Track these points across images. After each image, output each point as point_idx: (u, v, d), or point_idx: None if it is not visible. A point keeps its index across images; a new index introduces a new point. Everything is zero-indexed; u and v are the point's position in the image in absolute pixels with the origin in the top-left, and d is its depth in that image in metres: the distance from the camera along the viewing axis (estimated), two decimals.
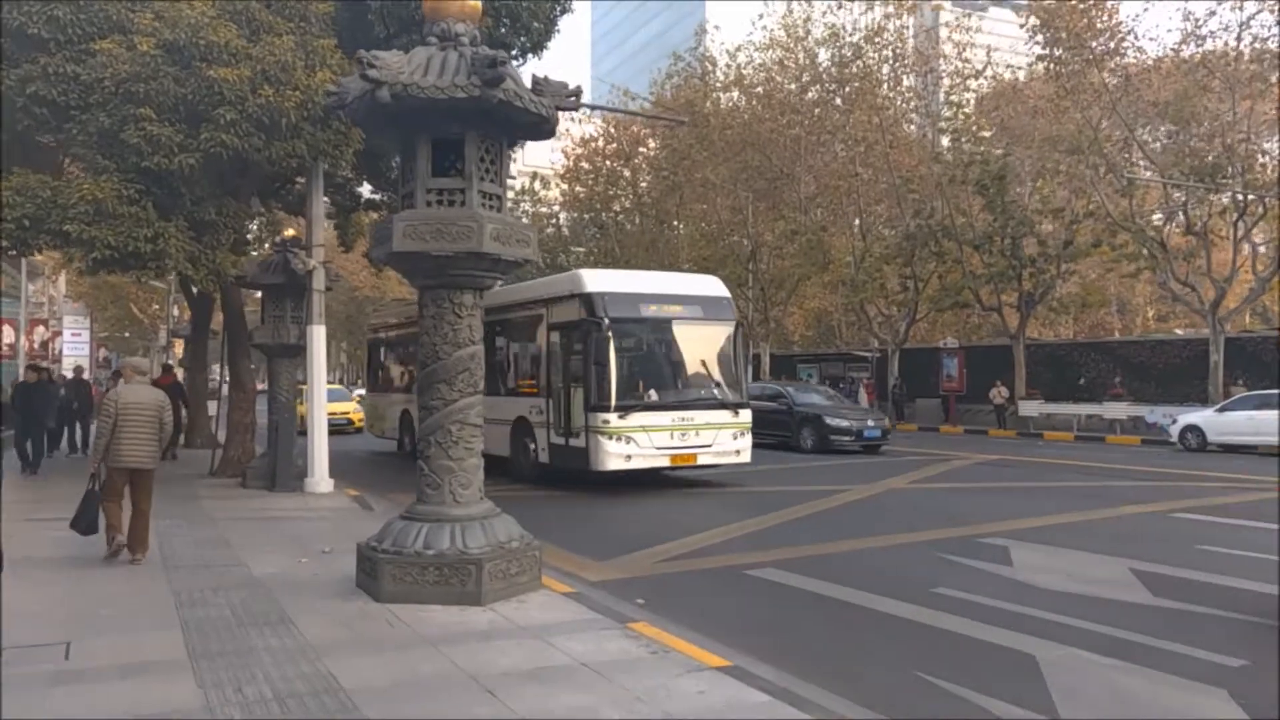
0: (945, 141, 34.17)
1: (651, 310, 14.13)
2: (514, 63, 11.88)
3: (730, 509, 12.00)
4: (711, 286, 15.59)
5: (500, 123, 7.15)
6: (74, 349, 48.47)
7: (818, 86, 35.53)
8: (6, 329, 46.88)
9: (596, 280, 14.23)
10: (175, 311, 40.80)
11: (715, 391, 14.44)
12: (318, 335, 13.68)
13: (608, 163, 44.68)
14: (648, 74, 46.57)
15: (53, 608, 6.44)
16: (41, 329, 49.59)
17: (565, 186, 47.72)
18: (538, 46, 16.50)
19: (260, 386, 22.92)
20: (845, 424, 21.58)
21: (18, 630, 5.60)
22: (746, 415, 14.53)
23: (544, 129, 7.53)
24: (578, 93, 7.59)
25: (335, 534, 9.51)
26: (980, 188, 30.30)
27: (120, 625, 5.99)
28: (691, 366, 14.72)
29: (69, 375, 23.36)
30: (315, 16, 12.66)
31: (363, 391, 34.61)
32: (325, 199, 16.31)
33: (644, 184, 44.24)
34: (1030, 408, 28.58)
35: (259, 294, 15.00)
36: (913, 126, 37.45)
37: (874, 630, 6.37)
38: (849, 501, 12.93)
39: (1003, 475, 16.57)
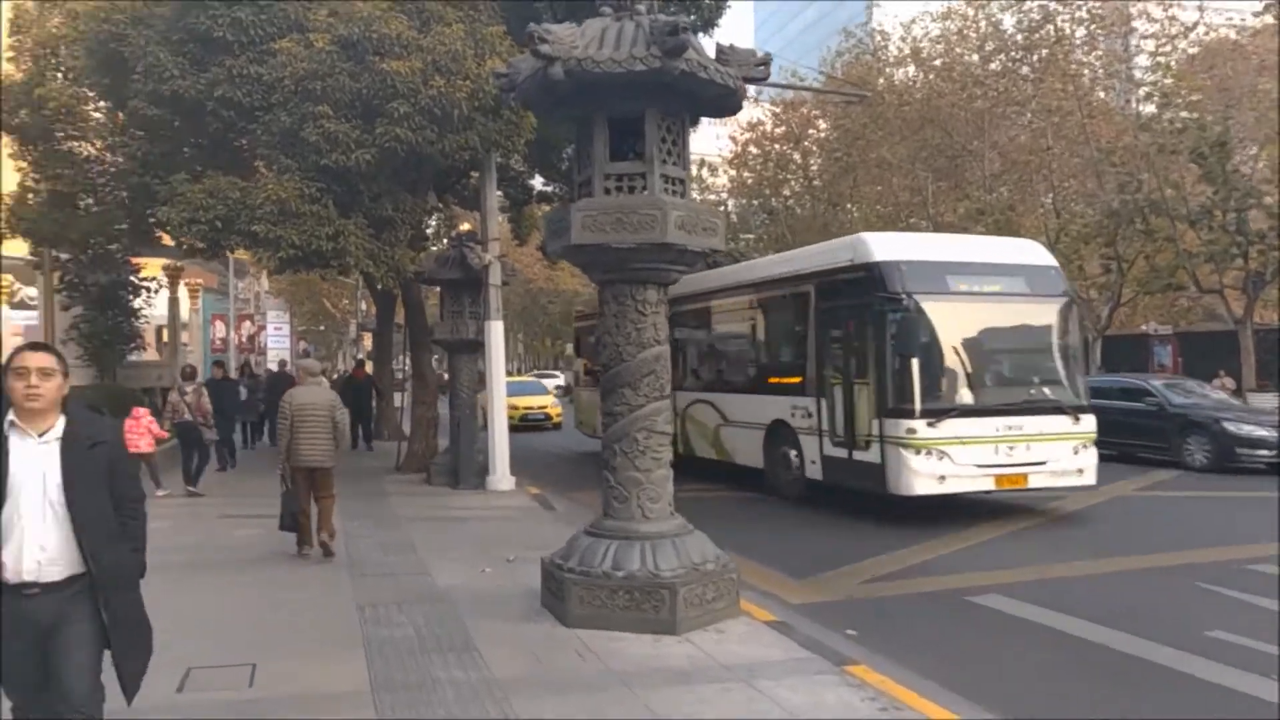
0: (1149, 109, 31.11)
1: (962, 285, 10.84)
2: None
3: (937, 518, 10.75)
4: (1034, 253, 12.28)
5: (683, 97, 6.45)
6: (276, 342, 51.67)
7: (1002, 56, 33.09)
8: (218, 324, 50.57)
9: (887, 246, 11.17)
10: (363, 306, 42.60)
11: (1049, 391, 11.14)
12: (495, 330, 13.45)
13: (776, 146, 43.43)
14: (814, 54, 44.96)
15: (241, 618, 6.34)
16: (248, 324, 53.21)
17: (733, 173, 46.79)
18: (709, 24, 15.73)
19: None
20: (1262, 433, 15.35)
21: (208, 646, 5.52)
22: (1090, 422, 11.05)
23: (730, 102, 6.78)
24: (767, 60, 6.79)
25: (517, 536, 9.20)
26: (1197, 156, 27.28)
27: (305, 644, 5.78)
28: (1017, 358, 11.67)
29: (273, 369, 24.52)
30: (484, 3, 12.36)
31: (560, 381, 34.36)
32: (498, 192, 16.14)
33: (815, 167, 42.75)
34: (1263, 400, 25.55)
35: (438, 289, 15.02)
36: (1111, 93, 34.37)
37: (1147, 685, 5.29)
38: (1070, 511, 11.48)
39: (1246, 482, 14.37)
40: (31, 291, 24.81)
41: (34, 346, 3.22)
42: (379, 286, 12.59)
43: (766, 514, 11.64)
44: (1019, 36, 32.20)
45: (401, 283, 14.56)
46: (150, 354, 29.55)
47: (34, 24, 14.09)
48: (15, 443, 3.07)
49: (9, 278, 27.39)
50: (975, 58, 33.58)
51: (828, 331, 11.81)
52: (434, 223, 22.96)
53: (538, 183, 21.03)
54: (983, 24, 33.58)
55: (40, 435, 3.09)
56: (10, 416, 3.10)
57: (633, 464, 6.09)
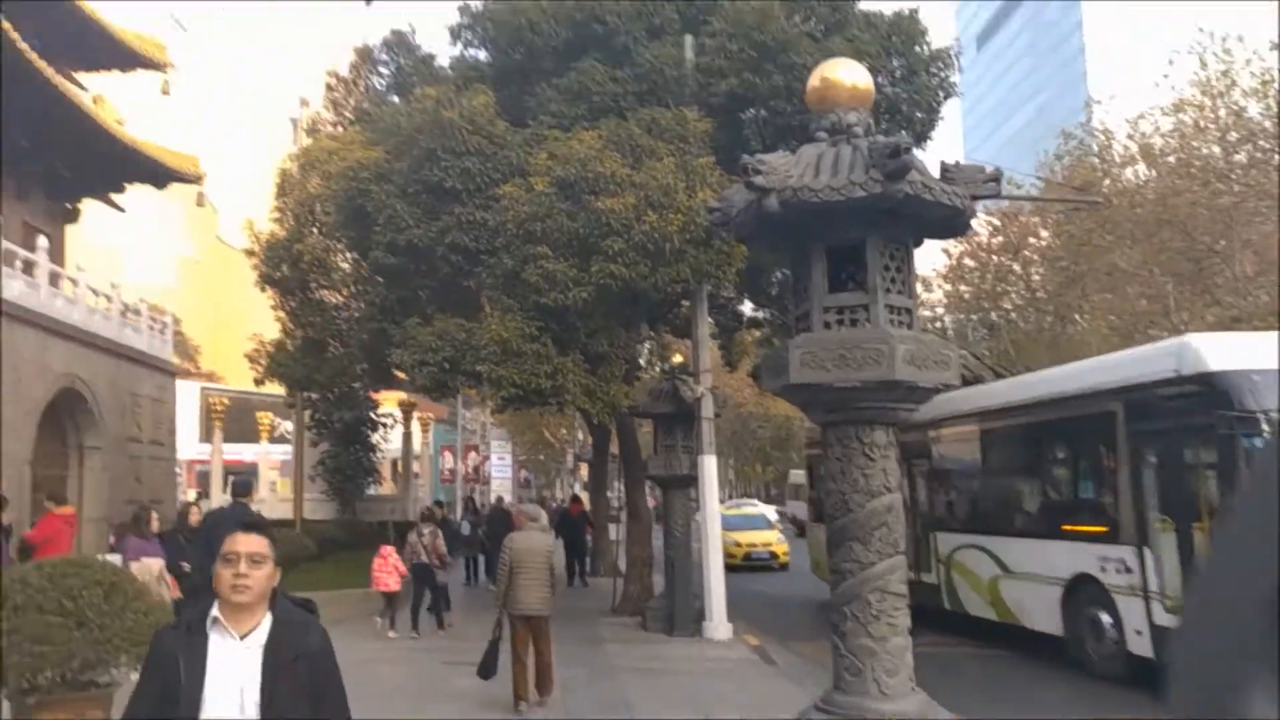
0: None
1: None
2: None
3: None
4: None
5: (906, 221, 6.04)
6: (500, 472, 53.70)
7: (1249, 146, 30.45)
8: (446, 455, 53.37)
9: (1225, 352, 9.12)
10: (580, 436, 43.74)
11: None
12: (709, 466, 13.18)
13: (994, 258, 41.66)
14: (1027, 159, 43.25)
15: None
16: (474, 454, 55.89)
17: (948, 287, 45.18)
18: (921, 138, 15.30)
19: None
20: None
21: None
22: None
23: (958, 223, 6.27)
24: (996, 176, 6.27)
25: (736, 696, 8.66)
26: None
27: None
28: None
29: (494, 501, 25.30)
30: (694, 136, 12.59)
31: (766, 512, 32.99)
32: (709, 319, 16.13)
33: (1037, 277, 40.57)
34: None
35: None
36: None
37: None
38: None
39: None
40: (289, 425, 26.99)
41: (247, 528, 2.90)
42: (594, 421, 12.79)
43: (1070, 696, 9.32)
44: (1267, 124, 29.58)
45: (616, 417, 14.71)
46: (386, 487, 31.42)
47: (297, 187, 15.68)
48: (215, 643, 2.67)
49: (270, 415, 30.21)
50: (1217, 149, 31.10)
51: (1146, 462, 9.80)
52: (645, 350, 23.34)
53: (747, 308, 20.99)
54: (1222, 113, 31.18)
55: (243, 637, 2.69)
56: (215, 611, 2.71)
57: (865, 630, 5.48)
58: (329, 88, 17.79)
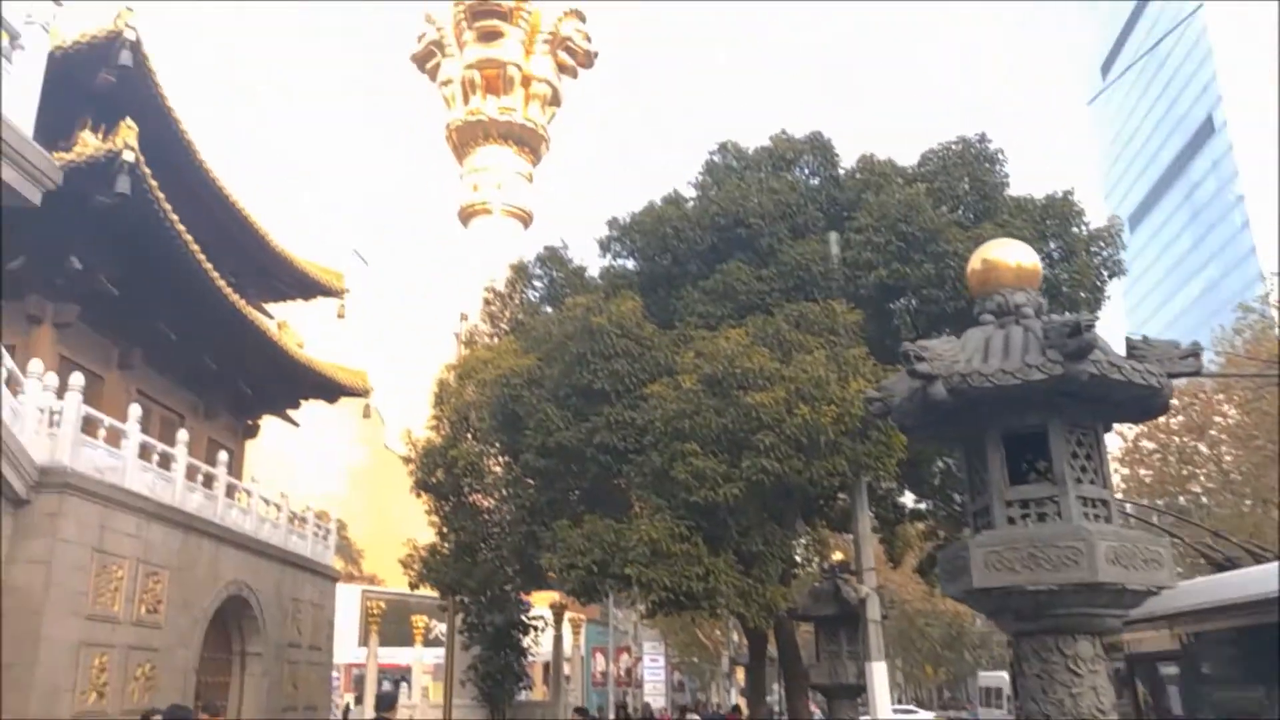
0: None
1: None
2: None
3: None
4: None
5: (1092, 404, 5.48)
6: (652, 674, 51.72)
7: None
8: (598, 657, 52.00)
9: None
10: (735, 638, 41.87)
11: None
12: (878, 674, 12.12)
13: (1176, 438, 38.74)
14: (1199, 335, 40.79)
15: None
16: (625, 655, 54.27)
17: (1126, 471, 42.10)
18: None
19: None
20: None
21: None
22: None
23: (1154, 403, 5.65)
24: (1195, 353, 5.69)
25: None
26: None
27: None
28: None
29: (650, 702, 24.09)
30: (843, 328, 12.37)
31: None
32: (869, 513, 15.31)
33: (1229, 458, 37.32)
34: None
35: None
36: None
37: None
38: None
39: None
40: (444, 628, 26.82)
41: None
42: (750, 625, 12.15)
43: None
44: None
45: (773, 619, 13.85)
46: (537, 692, 30.63)
47: (453, 395, 16.22)
48: None
49: (424, 618, 30.37)
50: None
51: None
52: (802, 547, 22.36)
53: (909, 500, 19.95)
54: None
55: None
56: None
57: None
58: (486, 302, 18.73)
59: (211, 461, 19.64)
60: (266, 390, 24.24)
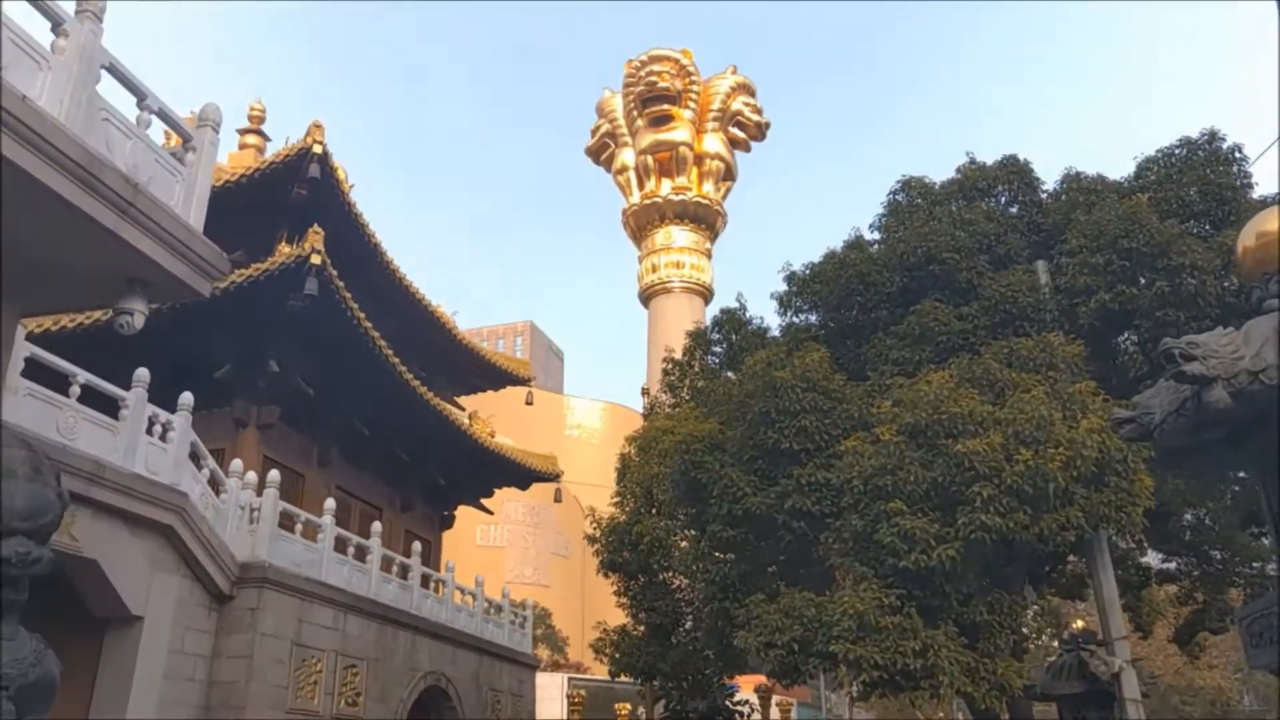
0: None
1: None
2: None
3: None
4: None
5: None
6: None
7: None
8: None
9: None
10: (960, 719, 38.46)
11: None
12: None
13: None
14: None
15: None
16: None
17: None
18: None
19: None
20: None
21: None
22: None
23: None
24: None
25: None
26: None
27: None
28: None
29: None
30: (1063, 362, 10.87)
31: None
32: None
33: None
34: None
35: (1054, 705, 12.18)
36: None
37: None
38: None
39: None
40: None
41: None
42: (981, 706, 10.45)
43: None
44: None
45: (1007, 701, 12.07)
46: None
47: (635, 470, 15.59)
48: None
49: (627, 705, 29.44)
50: None
51: None
52: (1031, 618, 20.04)
53: (1153, 559, 17.50)
54: None
55: None
56: None
57: None
58: (665, 373, 18.16)
59: (408, 553, 19.85)
60: (460, 480, 24.55)
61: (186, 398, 13.12)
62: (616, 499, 15.23)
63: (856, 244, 14.32)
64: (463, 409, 25.12)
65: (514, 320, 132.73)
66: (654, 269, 37.85)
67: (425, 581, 19.28)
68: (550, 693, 34.51)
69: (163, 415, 12.70)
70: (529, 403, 27.91)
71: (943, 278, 12.85)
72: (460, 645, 19.85)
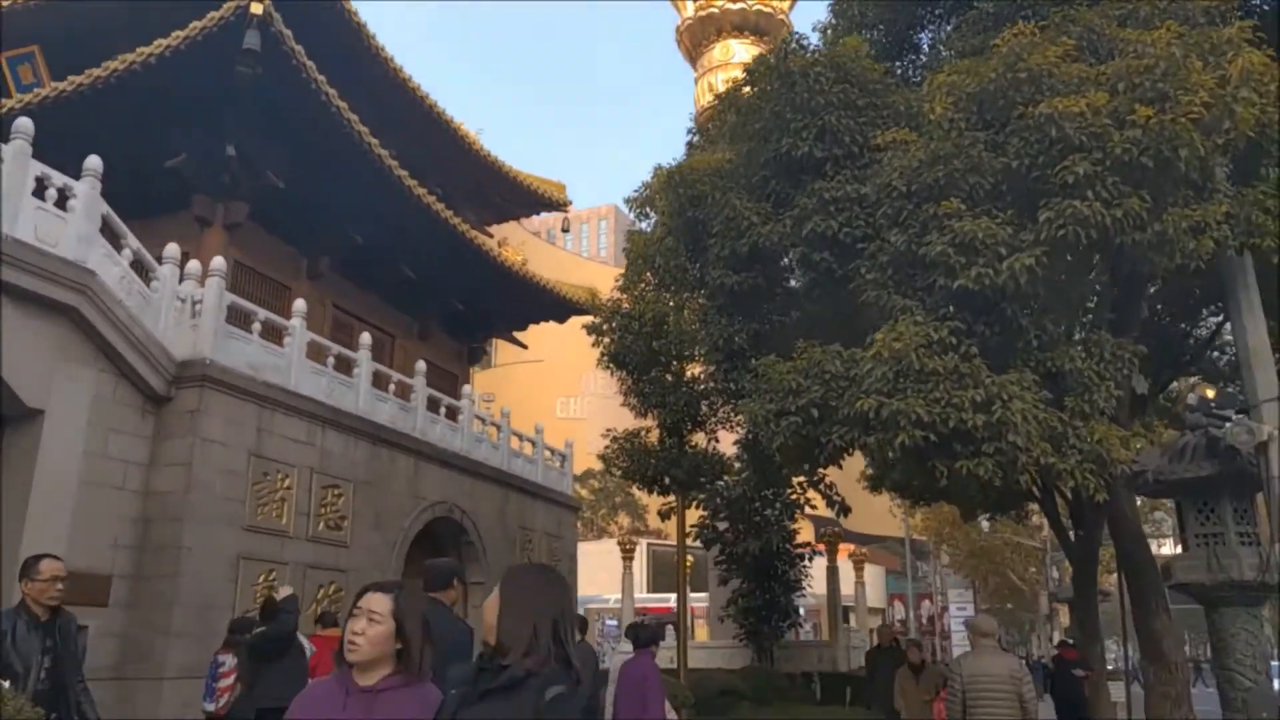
0: None
1: None
2: None
3: None
4: None
5: None
6: (960, 624, 46.65)
7: None
8: (896, 604, 47.51)
9: None
10: (1054, 573, 35.80)
11: None
12: None
13: None
14: None
15: None
16: (927, 603, 49.28)
17: None
18: None
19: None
20: None
21: None
22: None
23: None
24: None
25: None
26: None
27: None
28: None
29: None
30: (1204, 14, 7.54)
31: None
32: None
33: None
34: None
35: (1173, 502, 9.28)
36: None
37: None
38: None
39: None
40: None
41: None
42: (1069, 490, 7.47)
43: None
44: None
45: (1110, 490, 9.03)
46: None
47: (640, 241, 12.43)
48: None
49: (690, 558, 27.64)
50: None
51: None
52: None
53: None
54: None
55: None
56: None
57: None
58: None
59: (437, 388, 17.86)
60: (488, 309, 22.26)
61: (93, 161, 10.84)
62: (620, 281, 12.41)
63: None
64: (492, 236, 22.68)
65: (598, 204, 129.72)
66: (710, 89, 34.03)
67: (435, 407, 17.24)
68: (636, 560, 34.40)
69: (59, 178, 10.52)
70: (565, 229, 25.32)
71: None
72: (480, 478, 17.86)
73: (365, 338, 15.65)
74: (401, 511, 15.17)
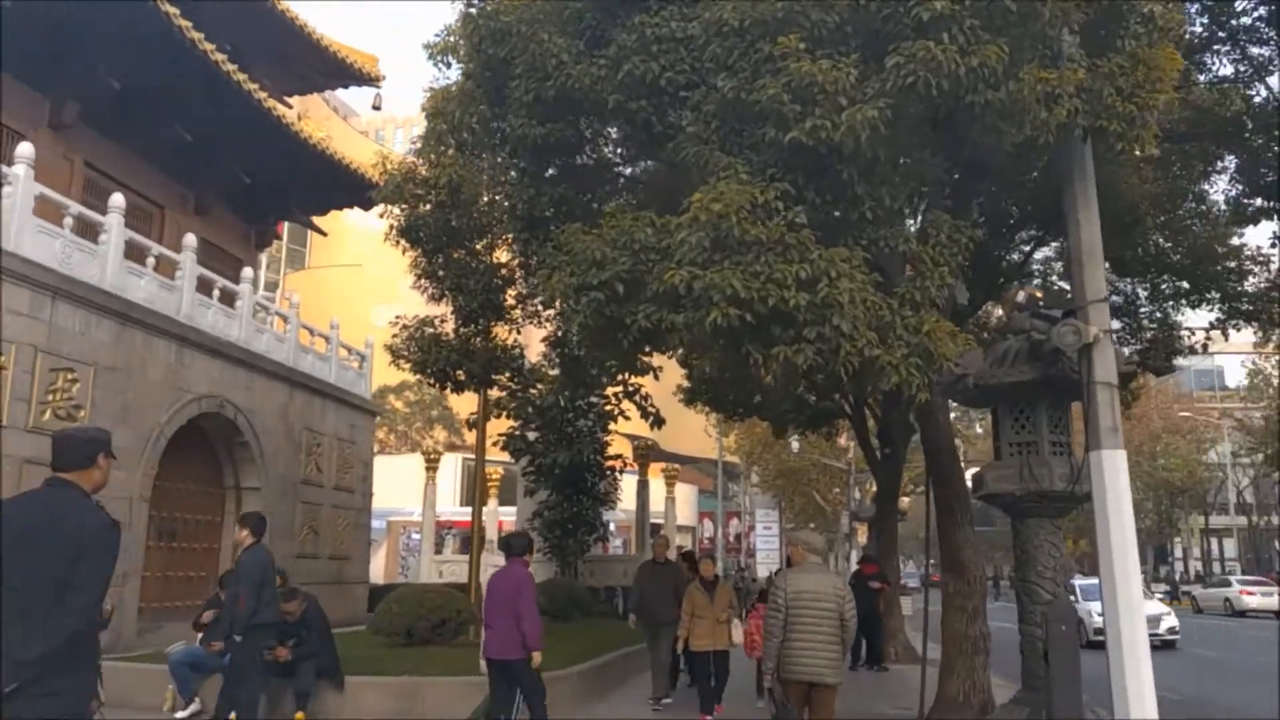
0: None
1: None
2: None
3: None
4: None
5: None
6: (765, 542, 48.22)
7: None
8: (705, 522, 48.45)
9: None
10: (856, 494, 37.07)
11: None
12: (1113, 467, 6.96)
13: None
14: None
15: None
16: (735, 521, 50.58)
17: None
18: None
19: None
20: None
21: None
22: None
23: None
24: None
25: None
26: None
27: None
28: None
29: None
30: None
31: None
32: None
33: None
34: None
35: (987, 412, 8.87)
36: None
37: None
38: None
39: None
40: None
41: None
42: (890, 387, 6.68)
43: None
44: None
45: (930, 390, 8.40)
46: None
47: (442, 95, 10.74)
48: None
49: (499, 470, 26.55)
50: None
51: None
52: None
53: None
54: None
55: None
56: None
57: None
58: None
59: (218, 271, 15.69)
60: (280, 187, 19.91)
61: None
62: (417, 144, 10.77)
63: None
64: (290, 106, 20.19)
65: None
66: None
67: (207, 288, 15.16)
68: (445, 474, 33.08)
69: None
70: (376, 107, 23.03)
71: None
72: (261, 372, 15.99)
73: (117, 199, 13.38)
74: (158, 404, 13.23)
